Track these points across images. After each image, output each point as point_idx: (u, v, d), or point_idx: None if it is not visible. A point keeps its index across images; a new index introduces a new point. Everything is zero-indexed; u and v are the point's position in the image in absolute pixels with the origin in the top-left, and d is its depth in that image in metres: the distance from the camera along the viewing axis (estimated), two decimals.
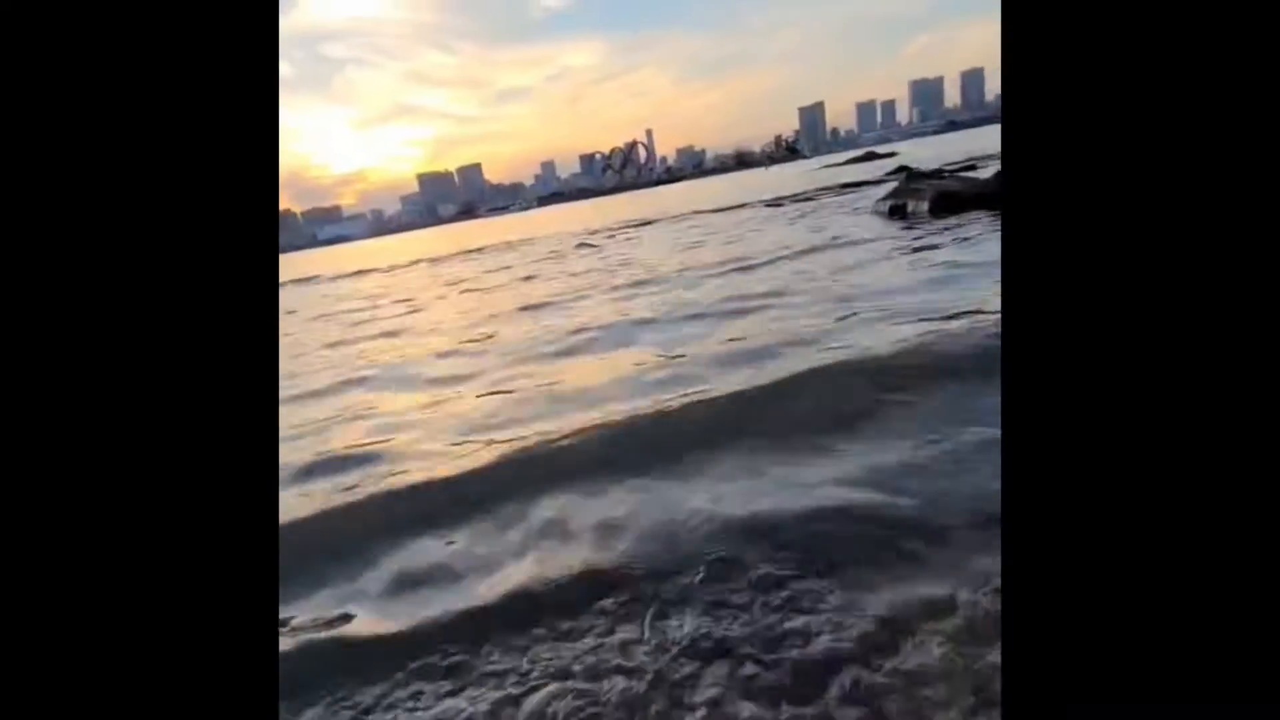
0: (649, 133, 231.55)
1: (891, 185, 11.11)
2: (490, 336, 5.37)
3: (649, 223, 18.05)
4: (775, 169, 66.88)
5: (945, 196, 8.17)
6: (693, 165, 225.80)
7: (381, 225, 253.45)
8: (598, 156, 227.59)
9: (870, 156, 38.73)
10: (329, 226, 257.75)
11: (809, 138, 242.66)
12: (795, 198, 17.01)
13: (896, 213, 9.14)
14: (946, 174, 10.93)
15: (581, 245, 14.53)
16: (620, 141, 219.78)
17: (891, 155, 36.05)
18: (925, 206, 8.44)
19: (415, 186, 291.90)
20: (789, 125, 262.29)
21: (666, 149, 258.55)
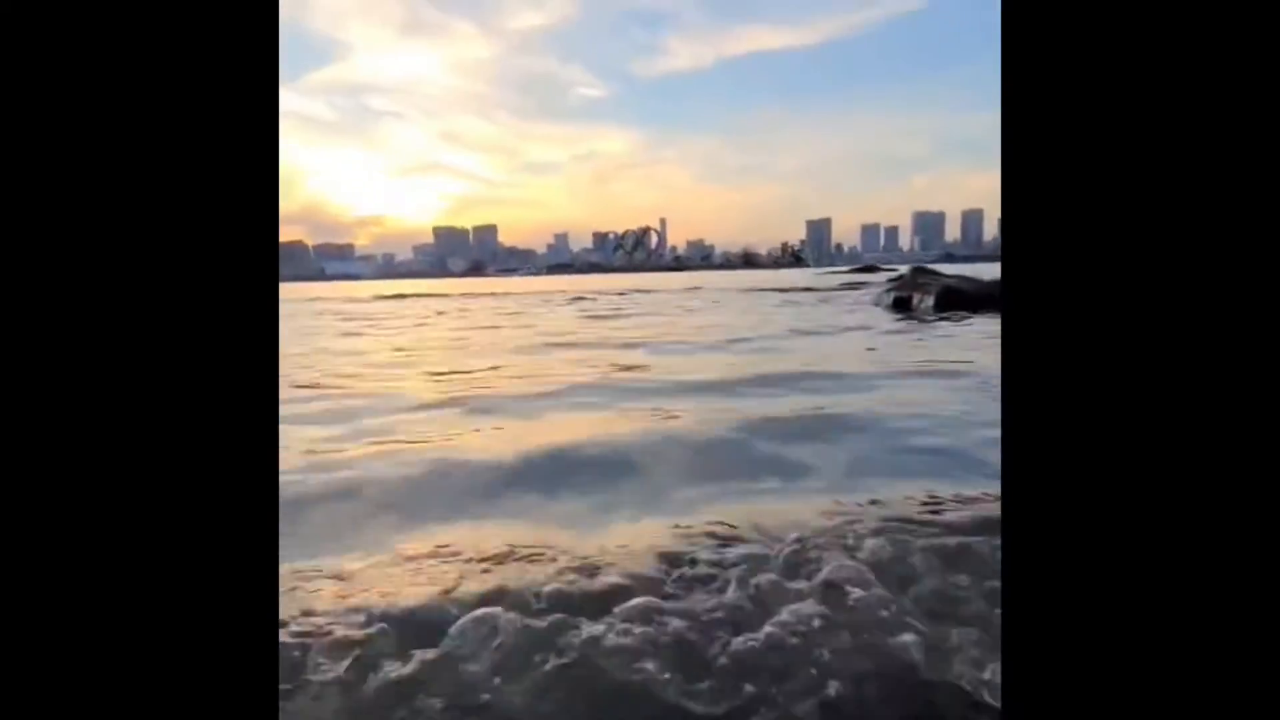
0: (663, 221, 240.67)
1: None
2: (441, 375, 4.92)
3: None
4: (782, 272, 69.13)
5: (952, 293, 8.39)
6: (701, 257, 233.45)
7: (390, 269, 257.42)
8: (611, 236, 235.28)
9: (873, 269, 40.21)
10: (338, 263, 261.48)
11: (814, 248, 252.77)
12: (801, 289, 17.45)
13: (900, 305, 9.37)
14: (952, 275, 11.27)
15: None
16: (634, 225, 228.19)
17: (893, 268, 37.46)
18: (930, 302, 8.66)
19: (430, 237, 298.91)
20: (795, 235, 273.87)
21: (677, 239, 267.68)
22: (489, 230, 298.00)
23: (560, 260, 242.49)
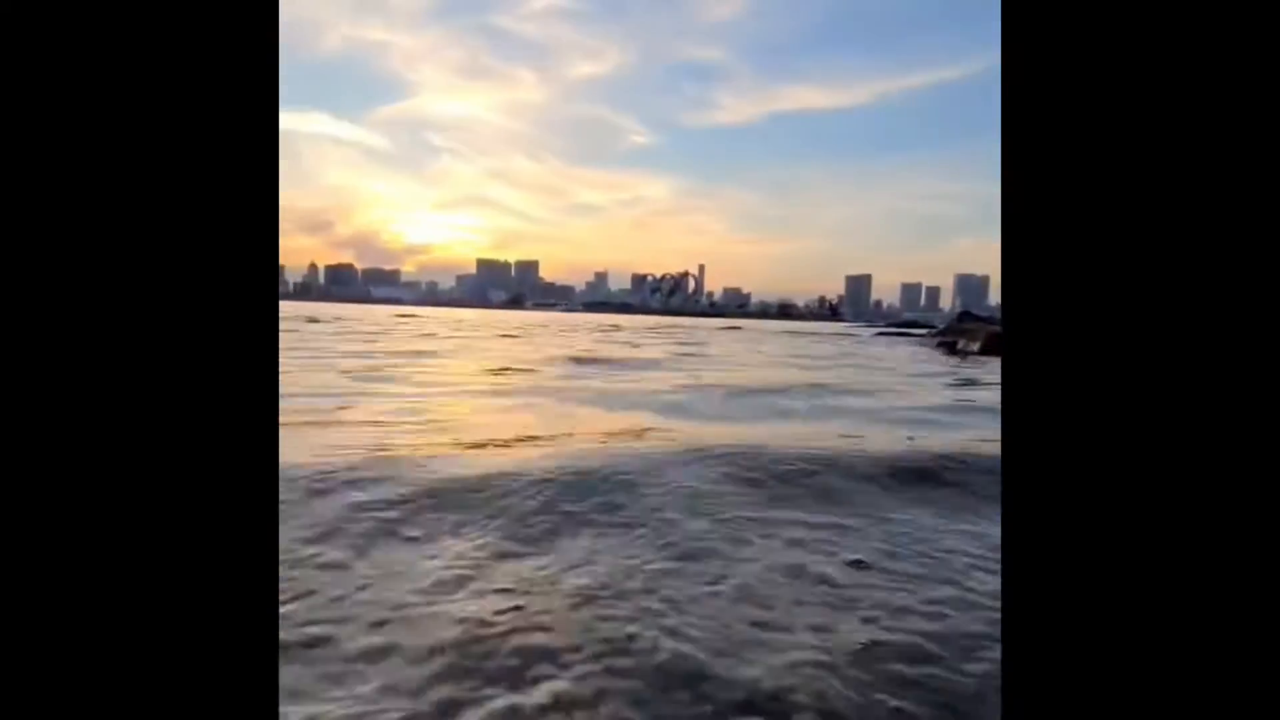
0: (701, 267, 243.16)
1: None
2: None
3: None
4: (820, 325, 68.98)
5: (1000, 338, 8.28)
6: (737, 305, 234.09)
7: (433, 297, 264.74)
8: (649, 278, 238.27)
9: (913, 325, 39.77)
10: (384, 287, 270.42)
11: (852, 303, 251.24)
12: (842, 333, 17.55)
13: (946, 348, 9.30)
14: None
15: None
16: (672, 270, 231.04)
17: (933, 328, 36.98)
18: (977, 346, 8.58)
19: (473, 269, 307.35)
20: (833, 289, 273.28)
21: (714, 286, 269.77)
22: (531, 265, 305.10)
23: (597, 299, 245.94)
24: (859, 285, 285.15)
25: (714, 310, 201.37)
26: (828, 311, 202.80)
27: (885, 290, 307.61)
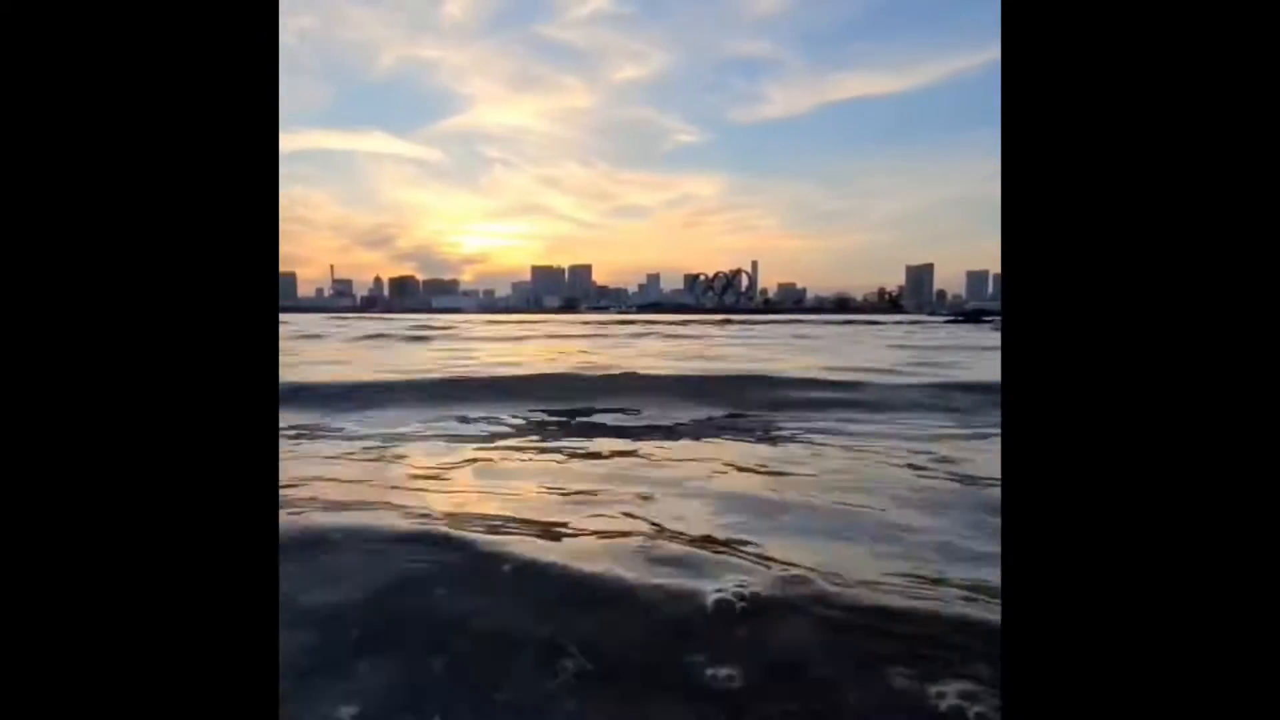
0: (754, 264, 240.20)
1: None
2: None
3: None
4: (884, 318, 67.18)
5: None
6: (793, 301, 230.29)
7: (490, 305, 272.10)
8: (701, 277, 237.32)
9: (980, 312, 38.24)
10: (444, 297, 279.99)
11: (914, 294, 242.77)
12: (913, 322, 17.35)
13: None
14: None
15: None
16: (724, 268, 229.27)
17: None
18: None
19: (528, 275, 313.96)
20: (893, 280, 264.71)
21: (768, 282, 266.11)
22: (584, 269, 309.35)
23: (650, 300, 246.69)
24: (920, 275, 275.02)
25: (768, 307, 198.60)
26: (887, 304, 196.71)
27: (948, 280, 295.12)
